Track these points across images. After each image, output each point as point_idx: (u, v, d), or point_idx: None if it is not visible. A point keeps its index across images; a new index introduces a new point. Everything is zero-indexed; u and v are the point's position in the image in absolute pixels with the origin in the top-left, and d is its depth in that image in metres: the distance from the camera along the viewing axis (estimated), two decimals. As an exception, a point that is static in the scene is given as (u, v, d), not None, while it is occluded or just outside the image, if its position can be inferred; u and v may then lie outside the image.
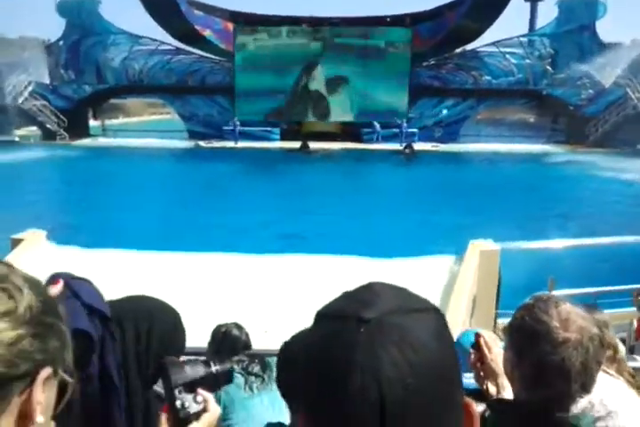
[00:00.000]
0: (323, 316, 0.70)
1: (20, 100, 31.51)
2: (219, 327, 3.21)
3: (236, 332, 3.16)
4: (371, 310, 0.65)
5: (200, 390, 1.10)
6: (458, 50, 33.11)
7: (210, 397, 1.11)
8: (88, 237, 11.54)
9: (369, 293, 0.69)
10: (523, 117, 41.58)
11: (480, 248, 7.56)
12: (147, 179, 21.31)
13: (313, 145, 28.37)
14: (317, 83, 31.79)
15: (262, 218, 14.94)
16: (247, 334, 3.21)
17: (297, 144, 28.62)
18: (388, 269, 9.29)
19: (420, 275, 9.02)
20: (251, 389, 2.78)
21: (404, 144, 28.69)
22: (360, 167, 24.29)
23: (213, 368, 1.14)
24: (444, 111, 31.89)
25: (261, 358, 2.94)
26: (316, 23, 32.04)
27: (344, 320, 0.66)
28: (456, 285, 7.41)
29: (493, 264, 7.23)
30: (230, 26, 32.18)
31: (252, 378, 2.82)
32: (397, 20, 31.91)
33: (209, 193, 18.86)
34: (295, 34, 31.63)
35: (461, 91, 31.84)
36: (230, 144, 30.07)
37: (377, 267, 9.50)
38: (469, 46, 33.29)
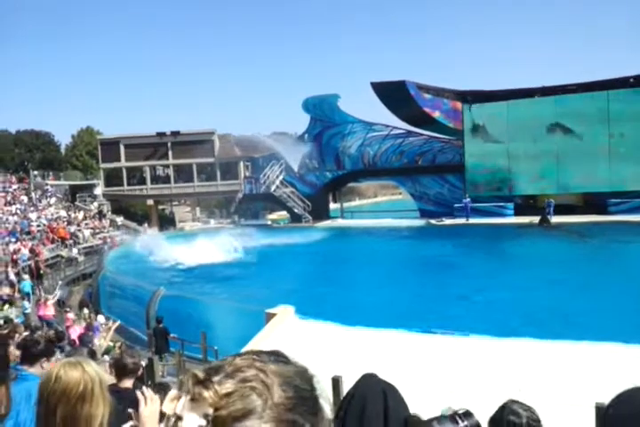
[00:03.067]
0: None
1: (273, 188, 35.73)
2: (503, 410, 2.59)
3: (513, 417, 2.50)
4: None
5: None
6: None
7: None
8: (330, 312, 12.15)
9: None
10: None
11: None
12: (381, 257, 22.02)
13: (553, 219, 26.61)
14: (551, 152, 30.27)
15: (496, 296, 14.20)
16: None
17: (531, 219, 27.14)
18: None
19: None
20: None
21: None
22: (607, 243, 21.91)
23: (461, 424, 1.16)
24: None
25: None
26: (549, 92, 31.02)
27: None
28: None
29: None
30: (459, 105, 32.81)
31: None
32: (642, 80, 29.29)
33: (441, 270, 18.73)
34: (526, 106, 30.93)
35: None
36: (461, 221, 29.79)
37: (627, 355, 8.32)
38: None
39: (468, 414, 1.24)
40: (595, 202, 28.87)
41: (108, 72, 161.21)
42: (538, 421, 2.57)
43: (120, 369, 3.72)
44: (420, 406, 2.01)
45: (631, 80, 29.53)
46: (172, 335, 11.53)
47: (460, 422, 1.20)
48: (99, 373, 1.96)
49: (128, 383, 3.68)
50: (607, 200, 28.47)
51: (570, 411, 5.74)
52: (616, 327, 10.63)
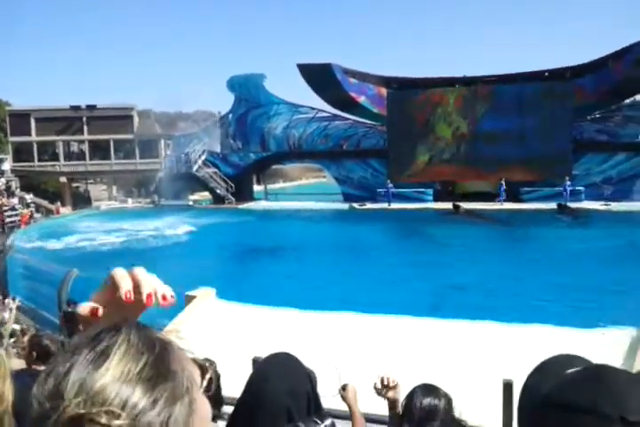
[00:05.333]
0: (567, 407, 0.64)
1: (195, 168, 34.88)
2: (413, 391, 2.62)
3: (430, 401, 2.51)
4: (633, 411, 0.61)
5: None
6: (627, 101, 31.00)
7: None
8: (250, 294, 12.07)
9: (611, 383, 0.63)
10: None
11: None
12: (303, 240, 22.07)
13: (467, 206, 27.59)
14: (468, 140, 31.37)
15: (411, 283, 14.57)
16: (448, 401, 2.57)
17: (449, 205, 28.09)
18: (566, 341, 8.51)
19: (596, 349, 8.12)
20: None
21: (558, 203, 27.00)
22: (517, 229, 23.05)
23: (322, 424, 1.47)
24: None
25: None
26: (469, 82, 32.01)
27: (602, 419, 0.61)
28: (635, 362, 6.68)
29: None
30: (383, 91, 33.24)
31: None
32: (556, 75, 30.79)
33: (360, 254, 19.05)
34: (448, 94, 31.77)
35: (632, 144, 29.39)
36: (383, 206, 30.37)
37: (541, 336, 8.75)
38: (639, 97, 31.04)
39: (323, 415, 1.51)
40: (508, 190, 30.19)
41: (18, 38, 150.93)
42: (451, 402, 2.62)
43: (43, 353, 3.67)
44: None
45: (546, 74, 31.01)
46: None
47: (319, 422, 1.45)
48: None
49: (42, 367, 3.56)
50: (520, 188, 29.86)
51: (478, 388, 5.97)
52: (523, 308, 11.23)
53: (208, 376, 0.74)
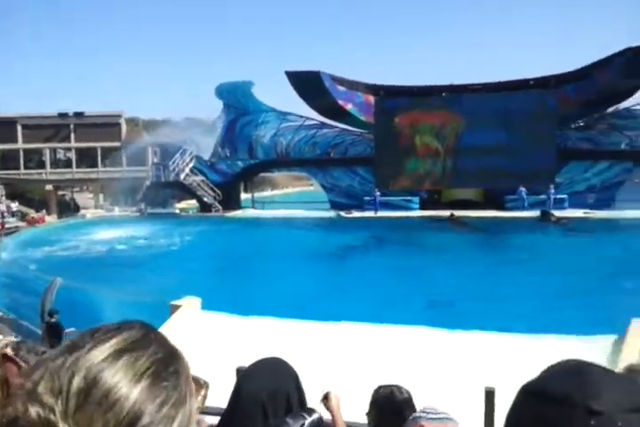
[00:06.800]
0: (538, 395, 0.67)
1: (182, 176, 34.85)
2: (379, 388, 2.83)
3: (398, 394, 2.72)
4: (600, 401, 0.62)
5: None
6: (610, 109, 31.43)
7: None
8: (237, 304, 12.07)
9: (588, 376, 0.66)
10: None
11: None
12: (291, 248, 22.10)
13: (460, 213, 27.81)
14: (454, 149, 31.64)
15: (401, 289, 14.68)
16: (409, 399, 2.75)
17: (435, 213, 28.33)
18: (538, 348, 8.62)
19: (574, 355, 8.22)
20: None
21: (541, 211, 27.34)
22: (502, 237, 23.26)
23: (309, 418, 1.56)
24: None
25: None
26: (456, 91, 32.32)
27: (570, 407, 0.62)
28: (617, 369, 6.65)
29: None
30: (371, 98, 33.42)
31: None
32: (541, 83, 31.15)
33: (348, 262, 19.14)
34: (435, 102, 32.05)
35: (616, 153, 29.83)
36: (370, 214, 30.50)
37: (527, 344, 8.86)
38: (622, 105, 31.47)
39: (312, 411, 1.59)
40: (493, 198, 30.47)
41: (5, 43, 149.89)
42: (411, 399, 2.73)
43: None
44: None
45: (531, 82, 31.37)
46: (67, 330, 10.92)
47: (306, 417, 1.55)
48: None
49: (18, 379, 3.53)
50: (505, 197, 30.12)
51: (460, 395, 6.02)
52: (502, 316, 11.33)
53: (203, 393, 0.74)
